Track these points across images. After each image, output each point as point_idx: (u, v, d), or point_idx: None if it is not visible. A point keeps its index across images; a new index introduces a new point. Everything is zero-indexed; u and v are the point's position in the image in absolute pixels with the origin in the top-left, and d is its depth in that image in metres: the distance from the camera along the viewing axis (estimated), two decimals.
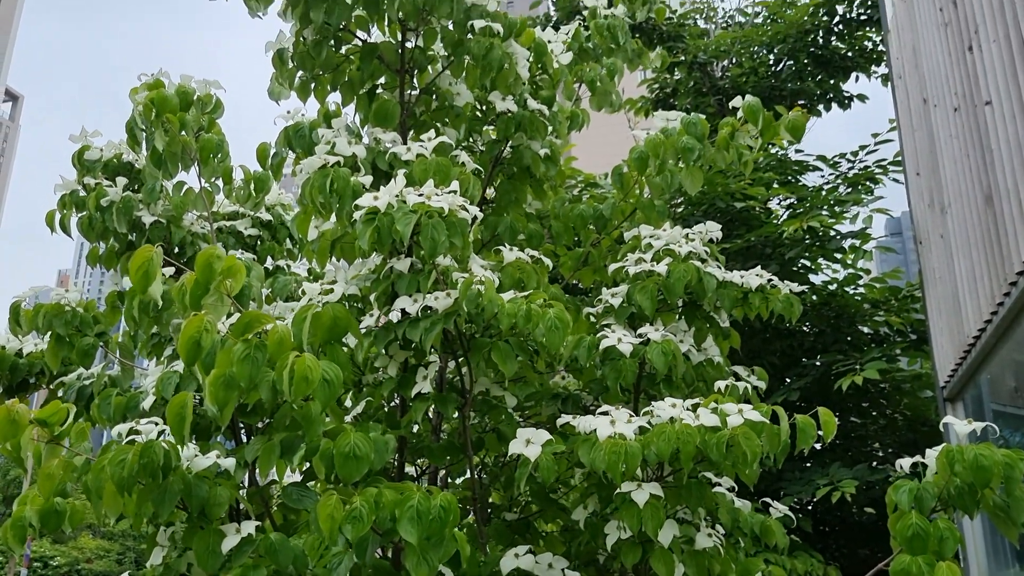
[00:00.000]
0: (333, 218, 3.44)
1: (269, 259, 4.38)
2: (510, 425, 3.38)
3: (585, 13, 5.01)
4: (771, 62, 9.04)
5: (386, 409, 3.68)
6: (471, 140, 4.18)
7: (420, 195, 2.91)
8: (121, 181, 3.96)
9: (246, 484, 3.00)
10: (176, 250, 3.98)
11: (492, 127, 4.15)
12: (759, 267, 3.75)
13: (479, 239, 4.00)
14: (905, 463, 2.62)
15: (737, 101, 3.88)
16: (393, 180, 3.01)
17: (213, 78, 4.02)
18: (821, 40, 8.84)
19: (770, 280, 3.65)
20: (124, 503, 2.56)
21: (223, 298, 2.55)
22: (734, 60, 9.17)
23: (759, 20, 9.86)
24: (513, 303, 2.85)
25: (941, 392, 4.76)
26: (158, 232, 3.95)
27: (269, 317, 2.42)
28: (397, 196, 2.95)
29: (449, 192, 2.97)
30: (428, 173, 3.22)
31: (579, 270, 4.26)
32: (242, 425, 3.13)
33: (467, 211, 2.96)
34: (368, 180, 3.23)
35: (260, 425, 3.06)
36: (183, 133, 3.76)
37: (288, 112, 3.79)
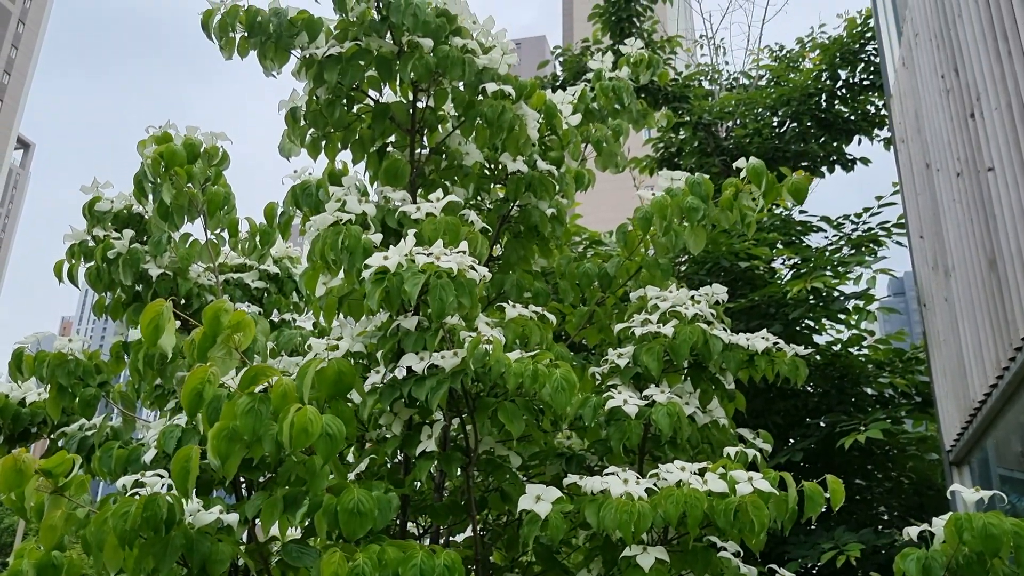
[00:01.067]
0: (341, 274, 3.45)
1: (275, 312, 4.40)
2: (514, 485, 3.37)
3: (591, 75, 5.13)
4: (775, 124, 9.14)
5: (389, 467, 3.67)
6: (479, 198, 4.23)
7: (429, 255, 2.96)
8: (128, 233, 4.00)
9: (245, 540, 2.99)
10: (183, 302, 4.01)
11: (500, 185, 4.22)
12: (764, 329, 3.77)
13: (485, 296, 4.03)
14: (912, 531, 2.61)
15: (741, 162, 3.94)
16: (403, 240, 3.05)
17: (230, 136, 4.06)
18: (824, 103, 8.95)
19: (776, 343, 3.67)
20: (125, 557, 2.54)
21: (231, 351, 2.57)
22: (738, 121, 9.26)
23: (763, 83, 10.01)
24: (520, 363, 2.87)
25: (947, 455, 4.74)
26: (165, 284, 3.99)
27: (274, 370, 2.44)
28: (407, 256, 2.99)
29: (458, 252, 3.01)
30: (438, 232, 3.27)
31: (584, 328, 4.29)
32: (243, 480, 3.12)
33: (476, 271, 2.99)
34: (378, 238, 3.27)
35: (262, 480, 3.06)
36: (190, 185, 3.82)
37: (296, 172, 3.84)
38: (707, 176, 3.95)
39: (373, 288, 2.92)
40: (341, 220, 3.29)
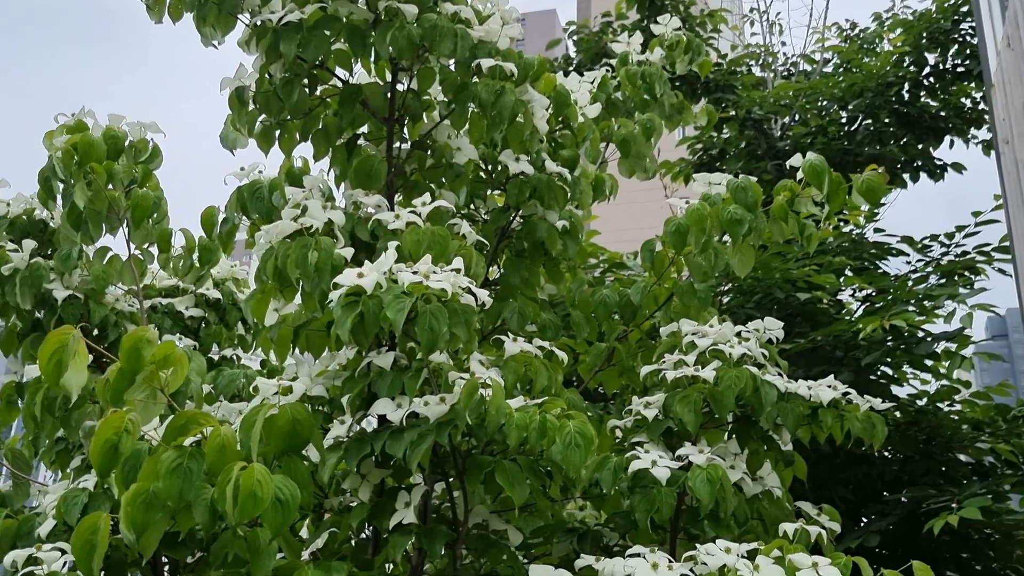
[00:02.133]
0: (297, 299, 3.49)
1: (215, 347, 4.42)
2: (513, 567, 3.37)
3: (613, 60, 5.18)
4: (844, 120, 9.17)
5: (354, 543, 3.66)
6: (472, 207, 4.25)
7: (415, 273, 2.97)
8: (28, 245, 4.01)
9: None
10: (96, 332, 4.01)
11: (499, 192, 4.25)
12: (831, 376, 3.77)
13: (478, 328, 4.02)
14: None
15: (797, 159, 3.95)
16: (383, 254, 3.07)
17: (163, 127, 4.09)
18: (907, 95, 9.01)
19: (846, 394, 3.68)
20: None
21: (155, 394, 2.57)
22: (797, 117, 9.31)
23: (829, 69, 10.08)
24: (524, 412, 2.88)
25: None
26: (73, 310, 3.98)
27: (209, 418, 2.44)
28: (387, 274, 2.99)
29: (452, 270, 3.02)
30: (422, 246, 3.28)
31: (602, 371, 4.29)
32: (165, 559, 3.11)
33: (473, 295, 3.01)
34: (348, 252, 3.29)
35: (190, 560, 3.05)
36: (110, 187, 3.84)
37: (242, 168, 3.83)
38: (754, 179, 3.96)
39: (344, 314, 2.91)
40: (306, 229, 3.31)
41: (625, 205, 5.32)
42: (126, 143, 3.95)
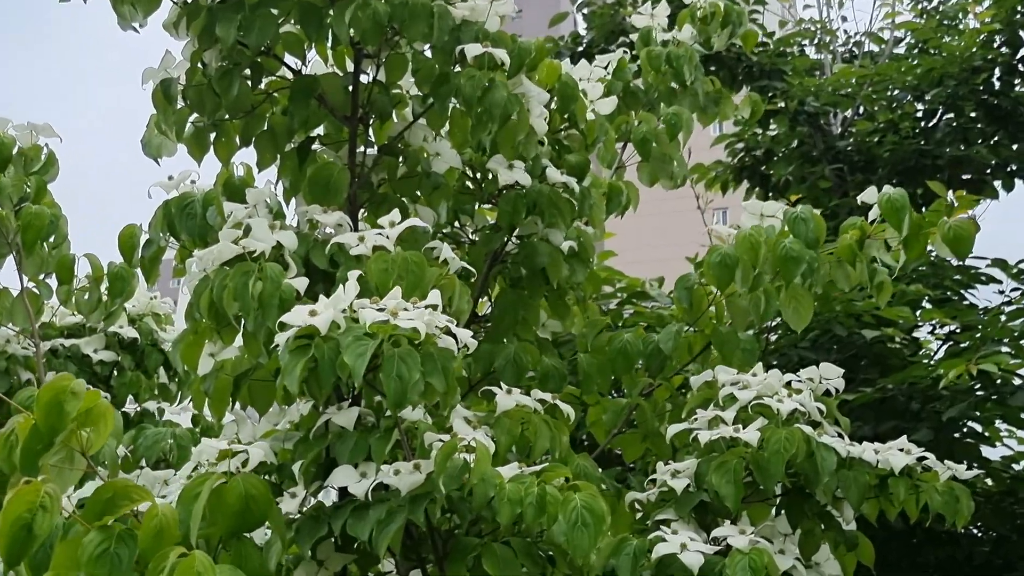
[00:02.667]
0: (238, 340, 3.49)
1: (130, 400, 4.42)
2: None
3: (633, 38, 5.19)
4: (919, 115, 9.16)
5: None
6: (457, 225, 4.24)
7: (382, 309, 2.96)
8: None
9: None
10: None
11: (490, 206, 4.24)
12: (903, 436, 3.78)
13: (465, 376, 4.03)
14: None
15: (870, 194, 3.94)
16: (342, 285, 3.06)
17: (60, 131, 4.10)
18: (998, 84, 8.97)
19: (922, 459, 3.68)
20: None
21: (71, 457, 2.54)
22: (861, 110, 9.32)
23: (901, 50, 10.08)
24: (518, 483, 2.87)
25: None
26: None
27: (145, 492, 2.43)
28: (347, 311, 2.99)
29: (427, 306, 3.01)
30: (391, 275, 3.27)
31: (620, 433, 4.29)
32: None
33: (453, 335, 2.99)
34: (302, 284, 3.29)
35: None
36: None
37: (171, 178, 3.81)
38: (816, 211, 3.94)
39: (293, 360, 2.90)
40: (249, 253, 3.31)
41: (646, 217, 5.28)
42: (14, 151, 3.96)
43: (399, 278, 3.25)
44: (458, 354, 3.03)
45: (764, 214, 3.99)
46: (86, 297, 4.20)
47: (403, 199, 4.06)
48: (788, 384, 3.78)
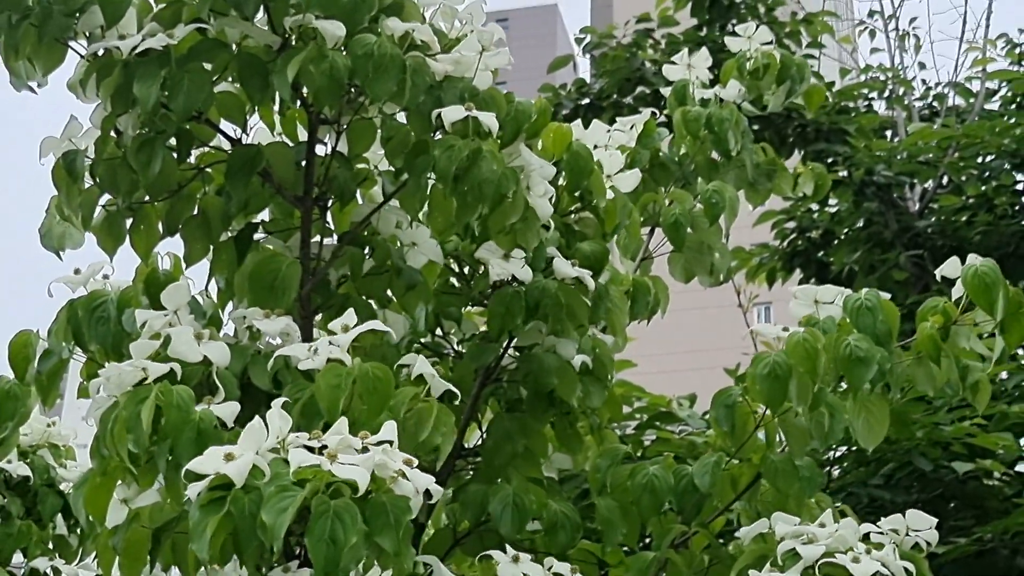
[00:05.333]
0: (159, 483, 3.34)
1: (19, 555, 4.33)
2: None
3: (658, 89, 5.08)
4: (1020, 187, 9.00)
5: None
6: (439, 333, 4.12)
7: (323, 447, 2.78)
8: None
9: None
10: None
11: (481, 307, 4.11)
12: None
13: (449, 527, 3.94)
14: None
15: (952, 267, 3.79)
16: (270, 413, 2.89)
17: None
18: None
19: None
20: None
21: None
22: (946, 181, 9.15)
23: (994, 105, 9.90)
24: None
25: None
26: None
27: None
28: (275, 451, 2.83)
29: (378, 443, 2.82)
30: (342, 394, 3.11)
31: None
32: None
33: (411, 480, 2.80)
34: (230, 411, 3.12)
35: None
36: None
37: (77, 272, 3.71)
38: (886, 296, 3.80)
39: (203, 517, 2.74)
40: (147, 374, 3.13)
41: (673, 314, 5.17)
42: None
43: (357, 399, 3.12)
44: (425, 503, 2.89)
45: (820, 301, 3.91)
46: None
47: (370, 301, 3.95)
48: (866, 537, 3.60)
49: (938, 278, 3.95)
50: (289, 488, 2.68)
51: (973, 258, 3.78)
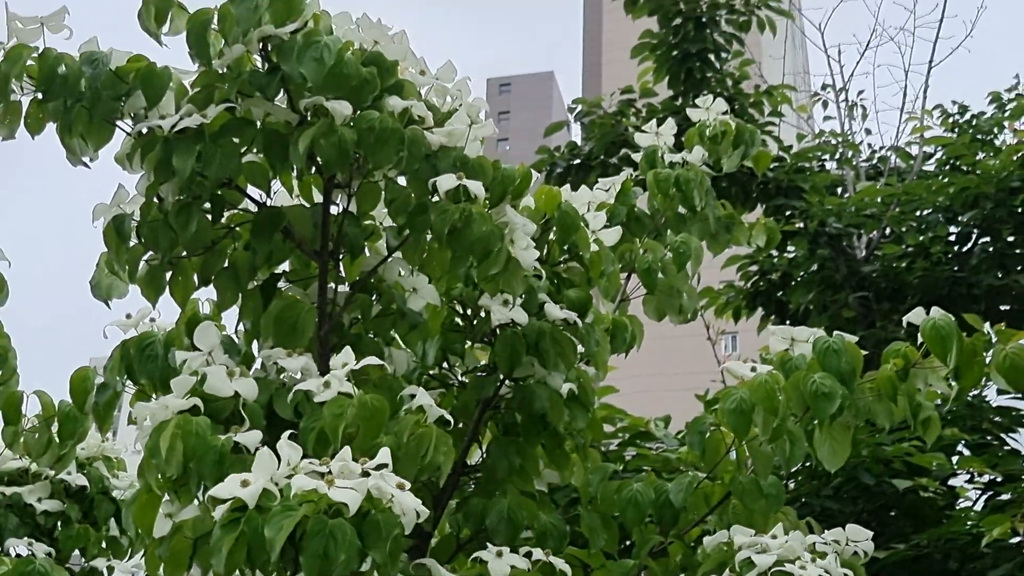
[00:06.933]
0: (199, 500, 3.47)
1: (77, 555, 4.40)
2: None
3: (637, 155, 5.30)
4: (952, 238, 9.20)
5: None
6: (447, 366, 4.30)
7: (328, 472, 2.99)
8: None
9: None
10: None
11: (483, 344, 4.31)
12: None
13: (453, 533, 4.11)
14: None
15: (917, 315, 3.95)
16: (280, 443, 3.11)
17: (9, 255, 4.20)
18: None
19: None
20: None
21: None
22: (888, 232, 9.38)
23: (931, 167, 10.11)
24: None
25: None
26: None
27: None
28: (288, 476, 3.03)
29: (375, 466, 3.04)
30: (341, 421, 3.33)
31: None
32: None
33: (399, 503, 3.00)
34: (252, 439, 3.34)
35: None
36: None
37: (129, 316, 3.85)
38: (852, 338, 3.97)
39: (222, 536, 2.97)
40: (177, 408, 3.35)
41: (650, 341, 5.22)
42: None
43: (361, 426, 3.30)
44: (416, 521, 3.05)
45: (795, 339, 4.04)
46: (36, 440, 4.20)
47: (378, 340, 4.13)
48: (814, 547, 3.80)
49: (905, 325, 4.00)
50: (291, 508, 2.89)
51: (935, 311, 3.89)
